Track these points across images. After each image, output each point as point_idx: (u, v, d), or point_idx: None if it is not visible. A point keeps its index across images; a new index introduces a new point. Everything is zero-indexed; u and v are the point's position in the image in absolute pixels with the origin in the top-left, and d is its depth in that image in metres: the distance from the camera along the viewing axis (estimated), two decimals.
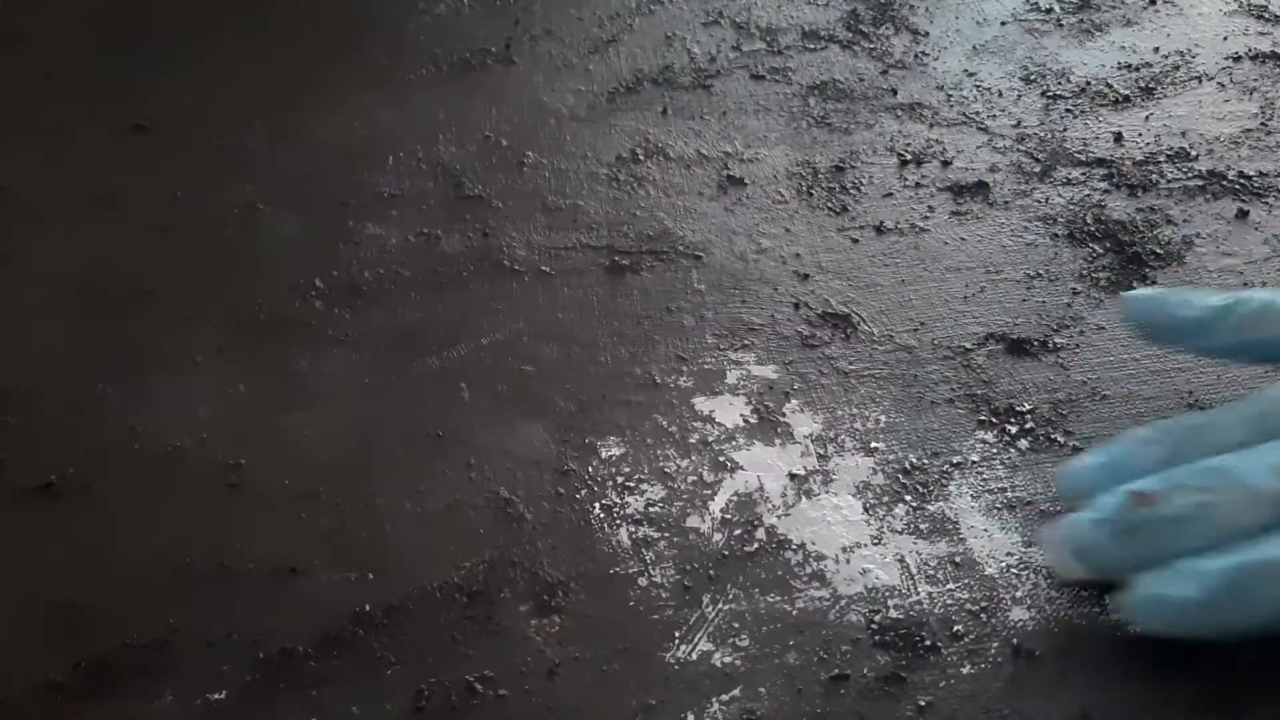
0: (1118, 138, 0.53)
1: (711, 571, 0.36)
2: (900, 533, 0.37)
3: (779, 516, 0.38)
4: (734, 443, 0.40)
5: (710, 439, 0.40)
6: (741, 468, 0.39)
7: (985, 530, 0.37)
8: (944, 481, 0.38)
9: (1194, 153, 0.52)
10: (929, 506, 0.38)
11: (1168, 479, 0.32)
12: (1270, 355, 0.36)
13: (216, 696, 0.33)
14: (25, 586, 0.36)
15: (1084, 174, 0.51)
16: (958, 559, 0.36)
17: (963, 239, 0.48)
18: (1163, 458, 0.34)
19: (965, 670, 0.33)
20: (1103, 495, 0.33)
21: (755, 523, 0.37)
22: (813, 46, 0.61)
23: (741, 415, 0.41)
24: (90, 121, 0.57)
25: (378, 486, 0.39)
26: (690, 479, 0.39)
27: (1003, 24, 0.62)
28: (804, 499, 0.38)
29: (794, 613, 0.35)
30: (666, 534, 0.37)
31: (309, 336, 0.45)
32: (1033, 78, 0.57)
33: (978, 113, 0.55)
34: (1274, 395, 0.34)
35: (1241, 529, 0.31)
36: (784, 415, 0.41)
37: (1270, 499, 0.31)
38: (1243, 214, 0.49)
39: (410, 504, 0.38)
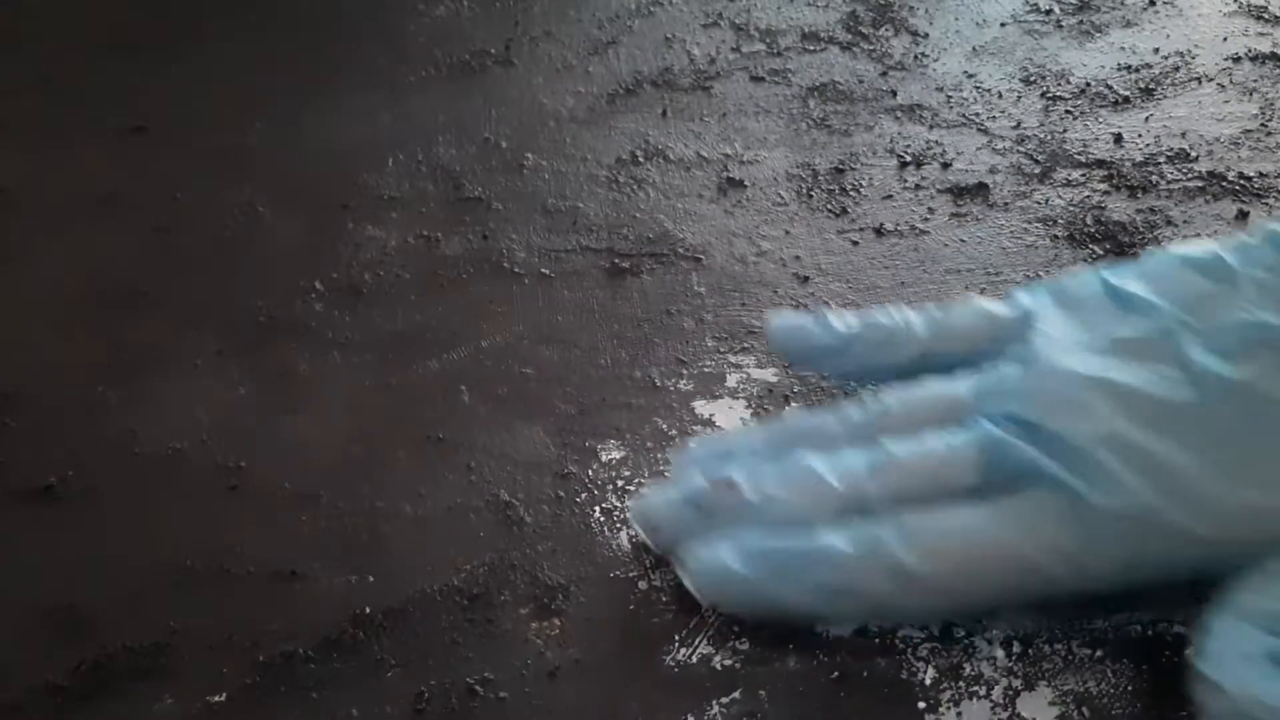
0: (1118, 139, 0.53)
1: None
2: None
3: None
4: None
5: None
6: None
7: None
8: None
9: (1194, 154, 0.52)
10: None
11: (752, 468, 0.35)
12: (899, 375, 0.38)
13: (216, 699, 0.33)
14: (25, 589, 0.36)
15: (1084, 175, 0.51)
16: None
17: (963, 241, 0.48)
18: (760, 450, 0.36)
19: (965, 671, 0.33)
20: (689, 476, 0.36)
21: None
22: (812, 48, 0.61)
23: (741, 419, 0.41)
24: (90, 123, 0.57)
25: (378, 489, 0.39)
26: None
27: (1002, 25, 0.62)
28: None
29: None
30: None
31: (309, 339, 0.45)
32: (1032, 79, 0.57)
33: (977, 114, 0.55)
34: (871, 406, 0.37)
35: (803, 520, 0.33)
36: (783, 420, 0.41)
37: (833, 498, 0.34)
38: (1243, 215, 0.49)
39: (410, 506, 0.38)
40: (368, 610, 0.35)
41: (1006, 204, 0.50)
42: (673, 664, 0.34)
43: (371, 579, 0.36)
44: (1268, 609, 0.30)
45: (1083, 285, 0.37)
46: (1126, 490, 0.31)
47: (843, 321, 0.39)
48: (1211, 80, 0.57)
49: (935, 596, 0.33)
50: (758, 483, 0.34)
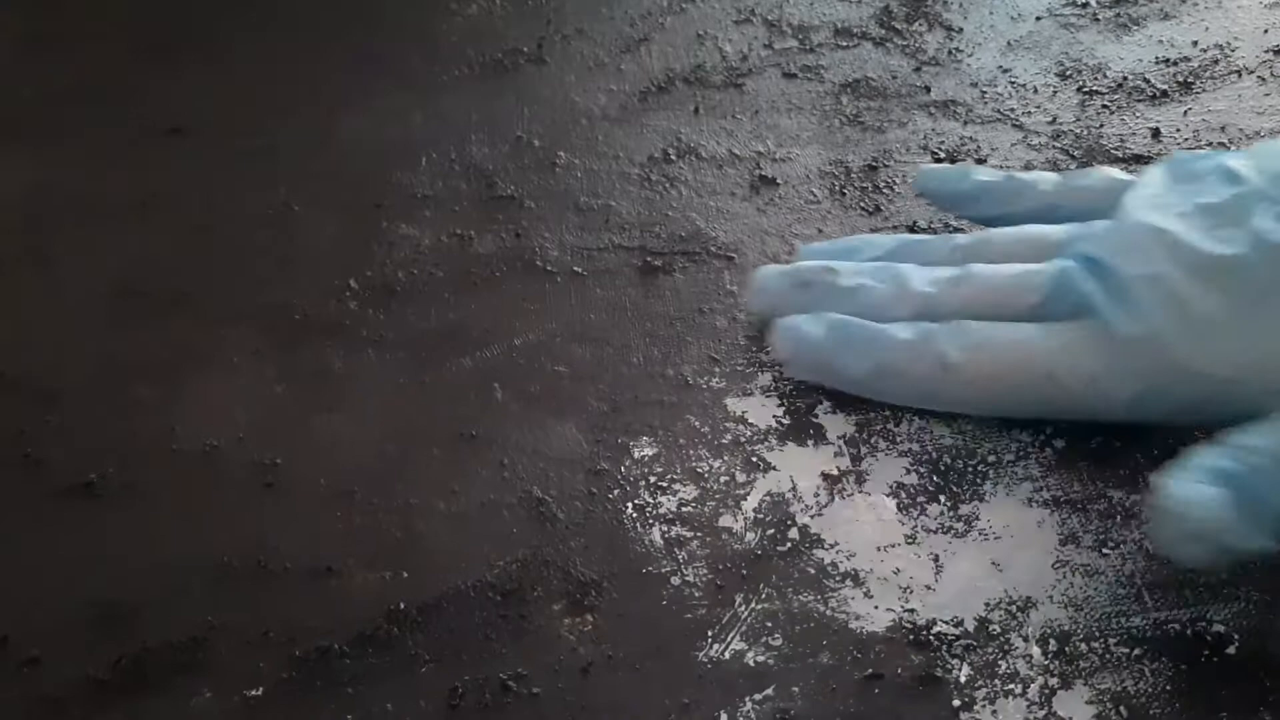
0: (1155, 134, 0.53)
1: (744, 571, 0.36)
2: (934, 532, 0.37)
3: (812, 516, 0.37)
4: (766, 443, 0.40)
5: (743, 439, 0.40)
6: (774, 468, 0.39)
7: (1021, 529, 0.37)
8: (978, 481, 0.38)
9: (1233, 148, 0.51)
10: (963, 506, 0.37)
11: (856, 266, 0.42)
12: (1024, 221, 0.43)
13: (254, 693, 0.34)
14: (66, 584, 0.37)
15: (1121, 170, 0.51)
16: (992, 558, 0.36)
17: None
18: (875, 257, 0.42)
19: (1001, 669, 0.33)
20: (807, 258, 0.44)
21: (788, 522, 0.37)
22: (845, 44, 0.60)
23: (774, 416, 0.41)
24: (128, 124, 0.57)
25: (412, 486, 0.39)
26: (723, 479, 0.39)
27: (1038, 19, 0.61)
28: (837, 499, 0.38)
29: (827, 612, 0.35)
30: (699, 533, 0.37)
31: (343, 337, 0.45)
32: (1068, 73, 0.57)
33: (1012, 110, 0.55)
34: (976, 236, 0.43)
35: (883, 315, 0.40)
36: (816, 416, 0.41)
37: (913, 300, 0.40)
38: None
39: (444, 503, 0.39)
40: (402, 606, 0.35)
41: None
42: (705, 660, 0.34)
43: (406, 575, 0.36)
44: (1240, 440, 0.33)
45: (1201, 160, 0.39)
46: (1149, 322, 0.35)
47: (984, 171, 0.45)
48: (1252, 73, 0.56)
49: (968, 389, 0.38)
50: (855, 275, 0.41)
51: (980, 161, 0.52)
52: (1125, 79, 0.56)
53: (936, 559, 0.36)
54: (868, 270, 0.41)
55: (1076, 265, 0.38)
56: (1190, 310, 0.34)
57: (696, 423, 0.41)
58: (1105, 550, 0.36)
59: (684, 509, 0.38)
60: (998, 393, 0.38)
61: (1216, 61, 0.57)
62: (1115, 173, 0.44)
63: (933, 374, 0.38)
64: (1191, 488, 0.32)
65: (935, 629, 0.34)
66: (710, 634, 0.34)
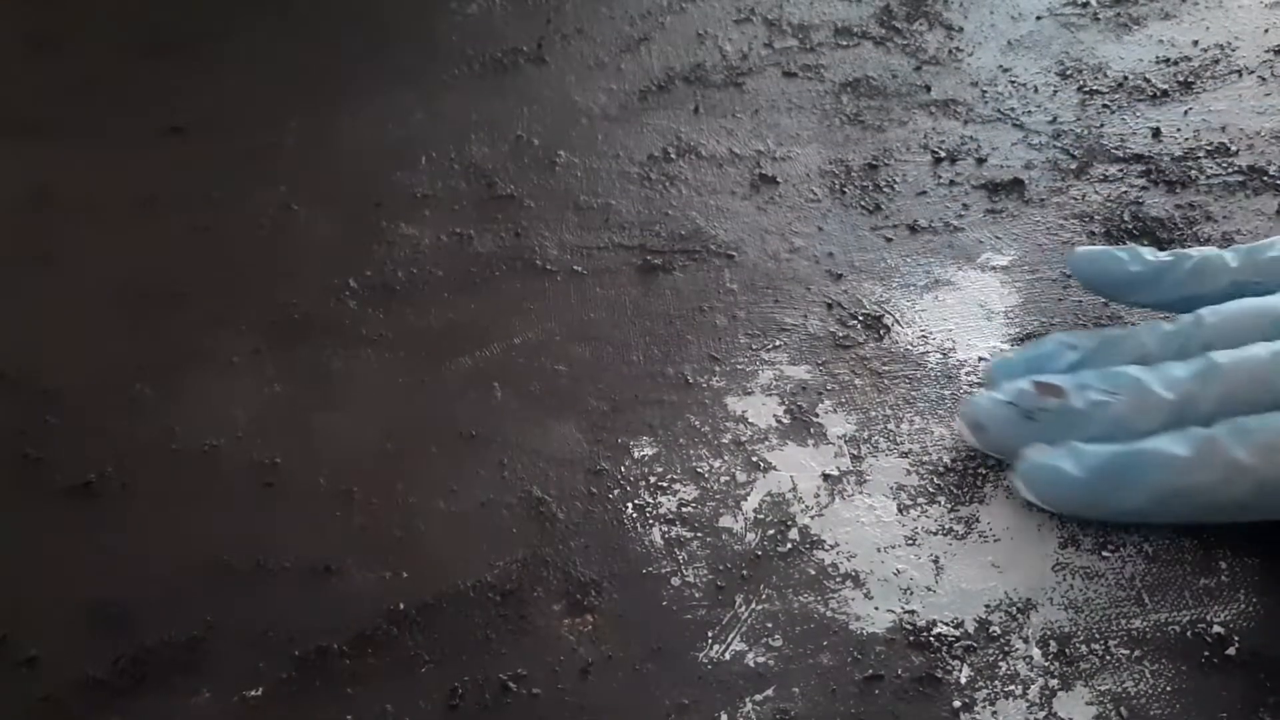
0: (1156, 133, 0.52)
1: (744, 571, 0.36)
2: (934, 534, 0.37)
3: (812, 517, 0.37)
4: (767, 443, 0.40)
5: (743, 439, 0.40)
6: (774, 468, 0.39)
7: (1020, 531, 0.37)
8: (979, 482, 0.38)
9: (1234, 148, 0.51)
10: (963, 507, 0.37)
11: (1077, 378, 0.37)
12: (1209, 303, 0.39)
13: (253, 693, 0.33)
14: (65, 584, 0.37)
15: (1121, 170, 0.51)
16: (993, 560, 0.36)
17: (998, 238, 0.48)
18: (1077, 361, 0.38)
19: (1001, 670, 0.33)
20: (1015, 381, 0.38)
21: (788, 523, 0.37)
22: (845, 43, 0.60)
23: (774, 415, 0.41)
24: (129, 124, 0.57)
25: (411, 485, 0.39)
26: (723, 479, 0.39)
27: (1038, 18, 0.61)
28: (837, 499, 0.38)
29: (827, 613, 0.35)
30: (699, 534, 0.37)
31: (343, 337, 0.45)
32: (1069, 73, 0.57)
33: (1013, 109, 0.55)
34: (1185, 320, 0.38)
35: (1131, 430, 0.35)
36: (817, 415, 0.41)
37: (1162, 408, 0.35)
38: None
39: (443, 503, 0.39)
40: (402, 606, 0.35)
41: (1042, 200, 0.50)
42: (706, 661, 0.34)
43: (405, 575, 0.36)
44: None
45: None
46: None
47: (1150, 252, 0.40)
48: (1252, 73, 0.56)
49: (1260, 491, 0.34)
50: (1084, 390, 0.36)
51: (980, 161, 0.52)
52: (1126, 78, 0.56)
53: (937, 560, 0.36)
54: (1094, 383, 0.36)
55: None
56: None
57: (696, 422, 0.41)
58: (1105, 553, 0.36)
59: (684, 509, 0.38)
60: None
61: (1217, 61, 0.57)
62: None
63: (1225, 486, 0.34)
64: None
65: (935, 630, 0.34)
66: (710, 634, 0.34)
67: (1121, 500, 0.35)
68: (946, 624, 0.34)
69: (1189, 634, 0.33)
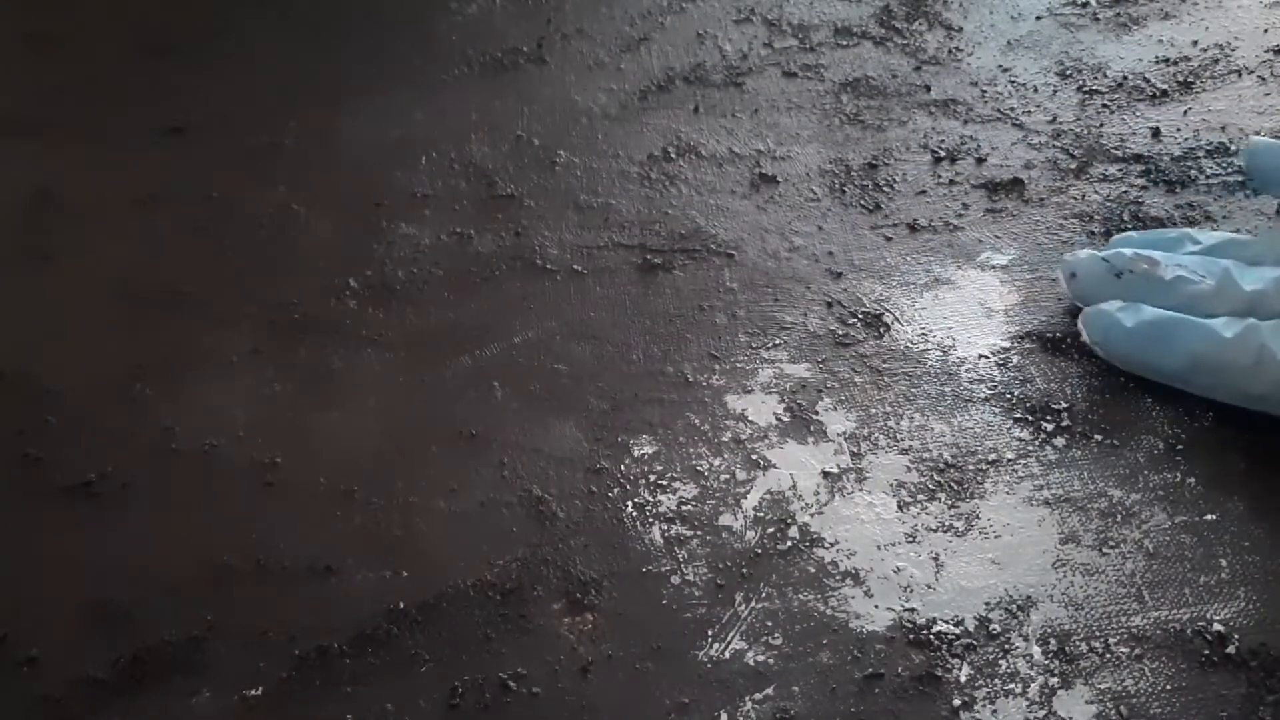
0: (1155, 133, 0.52)
1: (744, 570, 0.36)
2: (934, 530, 0.37)
3: (812, 515, 0.37)
4: (767, 441, 0.40)
5: (743, 437, 0.40)
6: (774, 466, 0.39)
7: (1020, 528, 0.37)
8: (979, 479, 0.38)
9: (1234, 148, 0.51)
10: (963, 504, 0.37)
11: (1177, 258, 0.41)
12: None
13: (253, 693, 0.33)
14: (65, 584, 0.37)
15: (1121, 170, 0.51)
16: (993, 557, 0.36)
17: (997, 237, 0.48)
18: (1195, 251, 0.42)
19: (1001, 669, 0.33)
20: (1121, 246, 0.43)
21: (788, 521, 0.37)
22: (845, 43, 0.60)
23: (774, 413, 0.41)
24: (129, 124, 0.57)
25: (411, 485, 0.39)
26: (723, 477, 0.39)
27: (1038, 18, 0.61)
28: (837, 497, 0.38)
29: (827, 611, 0.35)
30: (699, 532, 0.37)
31: (343, 336, 0.45)
32: (1069, 73, 0.57)
33: (1012, 109, 0.55)
34: None
35: (1201, 310, 0.39)
36: (817, 413, 0.41)
37: (1238, 298, 0.39)
38: None
39: (443, 502, 0.39)
40: (402, 605, 0.35)
41: (1042, 199, 0.50)
42: (706, 660, 0.34)
43: (405, 574, 0.36)
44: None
45: None
46: None
47: None
48: (1252, 73, 0.56)
49: None
50: (1177, 267, 0.40)
51: (980, 160, 0.52)
52: (1125, 78, 0.56)
53: (937, 558, 0.36)
54: (1189, 263, 0.40)
55: None
56: None
57: (696, 420, 0.41)
58: (1105, 550, 0.36)
59: (684, 507, 0.38)
60: None
61: (1216, 61, 0.57)
62: None
63: (1252, 369, 0.37)
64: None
65: (935, 628, 0.34)
66: (710, 633, 0.34)
67: (1160, 358, 0.39)
68: (946, 622, 0.34)
69: (1189, 632, 0.33)
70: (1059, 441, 0.39)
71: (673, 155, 0.53)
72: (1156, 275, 0.40)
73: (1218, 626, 0.33)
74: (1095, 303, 0.41)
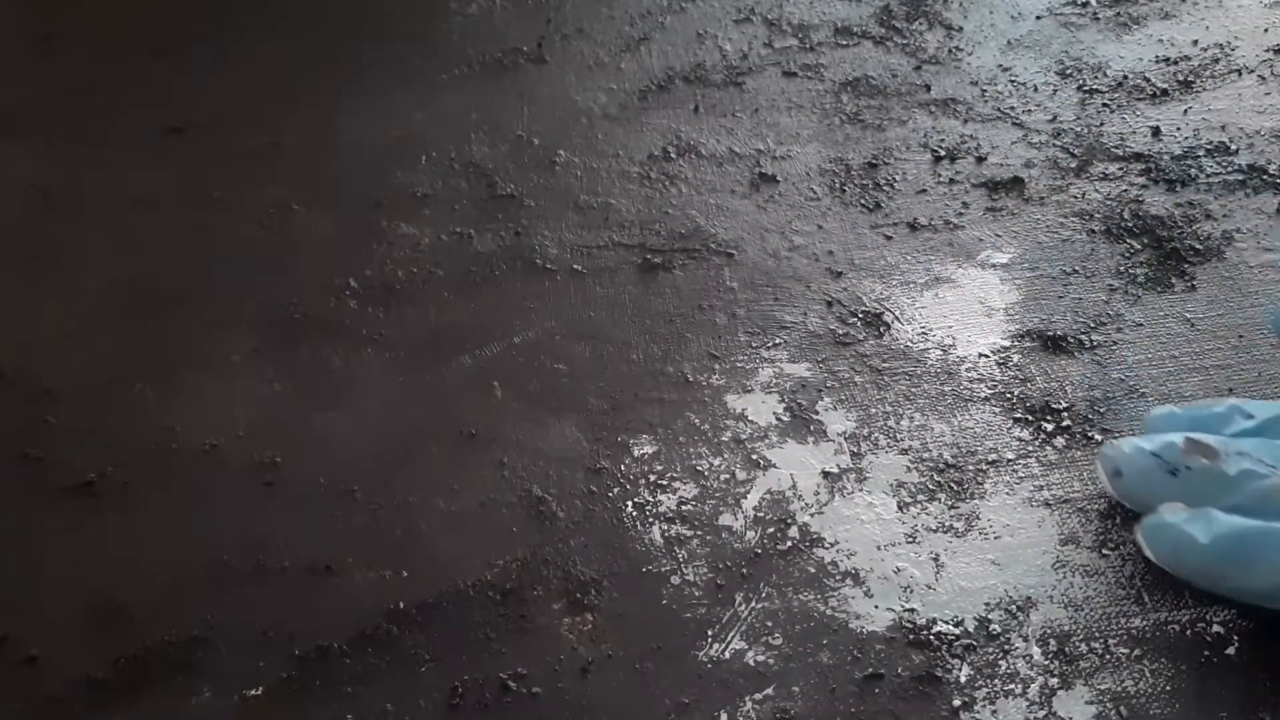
0: (1156, 132, 0.52)
1: (744, 570, 0.36)
2: (934, 531, 0.37)
3: (812, 515, 0.37)
4: (767, 440, 0.40)
5: (743, 437, 0.40)
6: (774, 466, 0.39)
7: (1021, 528, 0.37)
8: (979, 479, 0.38)
9: (1234, 147, 0.51)
10: (963, 504, 0.37)
11: (1237, 443, 0.34)
12: None
13: (253, 693, 0.34)
14: (66, 584, 0.37)
15: (1121, 169, 0.51)
16: (993, 557, 0.36)
17: (998, 235, 0.48)
18: (1249, 430, 0.35)
19: (1001, 669, 0.33)
20: (1165, 433, 0.35)
21: (788, 521, 0.37)
22: (845, 43, 0.60)
23: (774, 413, 0.41)
24: (129, 124, 0.57)
25: (411, 485, 0.39)
26: (723, 477, 0.39)
27: (1038, 18, 0.61)
28: (837, 497, 0.38)
29: (827, 611, 0.35)
30: (699, 532, 0.37)
31: (343, 336, 0.45)
32: (1069, 72, 0.57)
33: (1013, 108, 0.55)
34: None
35: (1275, 508, 0.32)
36: (817, 413, 0.41)
37: None
38: None
39: (443, 502, 0.39)
40: (402, 605, 0.35)
41: (1042, 198, 0.50)
42: (706, 660, 0.34)
43: (405, 574, 0.36)
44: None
45: None
46: None
47: None
48: (1252, 72, 0.56)
49: None
50: (1240, 457, 0.33)
51: (980, 159, 0.52)
52: (1125, 78, 0.56)
53: (937, 558, 0.36)
54: (1252, 450, 0.34)
55: None
56: None
57: (696, 420, 0.41)
58: (1105, 550, 0.36)
59: (684, 507, 0.38)
60: None
61: (1217, 60, 0.57)
62: None
63: None
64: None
65: (935, 629, 0.34)
66: (710, 633, 0.34)
67: (1246, 579, 0.32)
68: (946, 622, 0.34)
69: (1189, 633, 0.33)
70: (1059, 442, 0.39)
71: (673, 155, 0.53)
72: (1219, 470, 0.33)
73: (1217, 628, 0.33)
74: (1147, 504, 0.35)
